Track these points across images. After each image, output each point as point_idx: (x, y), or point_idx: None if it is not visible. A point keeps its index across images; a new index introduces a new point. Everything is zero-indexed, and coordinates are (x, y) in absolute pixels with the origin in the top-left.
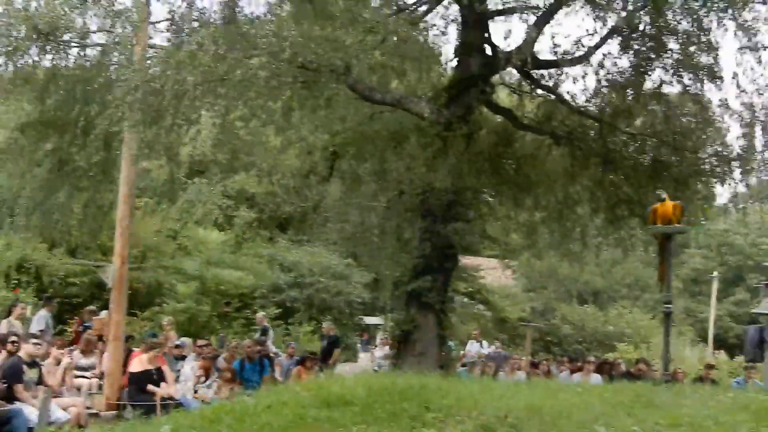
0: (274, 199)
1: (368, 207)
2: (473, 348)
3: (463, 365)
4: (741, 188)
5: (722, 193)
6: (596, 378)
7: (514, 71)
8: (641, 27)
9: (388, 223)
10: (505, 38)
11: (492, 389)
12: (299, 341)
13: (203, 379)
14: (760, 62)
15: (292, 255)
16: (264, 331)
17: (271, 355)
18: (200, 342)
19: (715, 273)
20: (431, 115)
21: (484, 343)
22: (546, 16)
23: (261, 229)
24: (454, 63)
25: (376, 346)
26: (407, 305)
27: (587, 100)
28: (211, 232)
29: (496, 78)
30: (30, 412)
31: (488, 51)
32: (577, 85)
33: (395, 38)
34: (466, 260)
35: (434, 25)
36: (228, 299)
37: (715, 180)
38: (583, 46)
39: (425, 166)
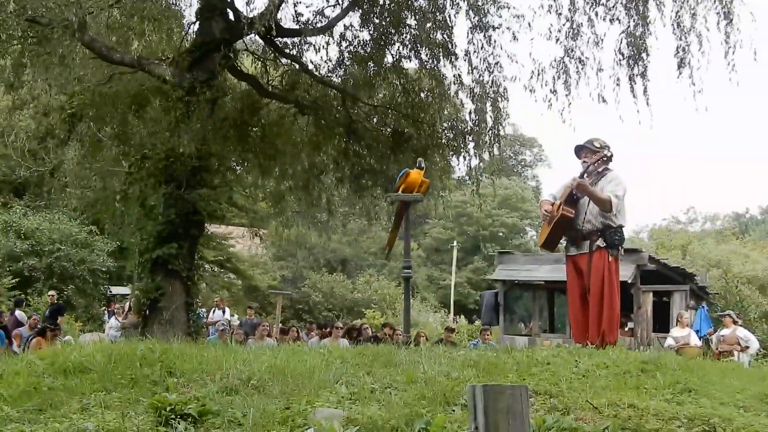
0: (8, 162)
1: (110, 172)
2: (216, 316)
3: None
4: (475, 161)
5: (459, 166)
6: (344, 342)
7: (258, 38)
8: (381, 1)
9: (131, 188)
10: (248, 3)
11: (237, 354)
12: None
13: None
14: (489, 42)
15: (29, 222)
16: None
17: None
18: None
19: (455, 242)
20: (173, 79)
21: (227, 310)
22: None
23: None
24: (197, 26)
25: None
26: (153, 273)
27: (330, 71)
28: None
29: (240, 44)
30: None
31: (231, 16)
32: (321, 56)
33: None
34: (214, 228)
35: None
36: None
37: (451, 153)
38: (326, 17)
39: (169, 131)
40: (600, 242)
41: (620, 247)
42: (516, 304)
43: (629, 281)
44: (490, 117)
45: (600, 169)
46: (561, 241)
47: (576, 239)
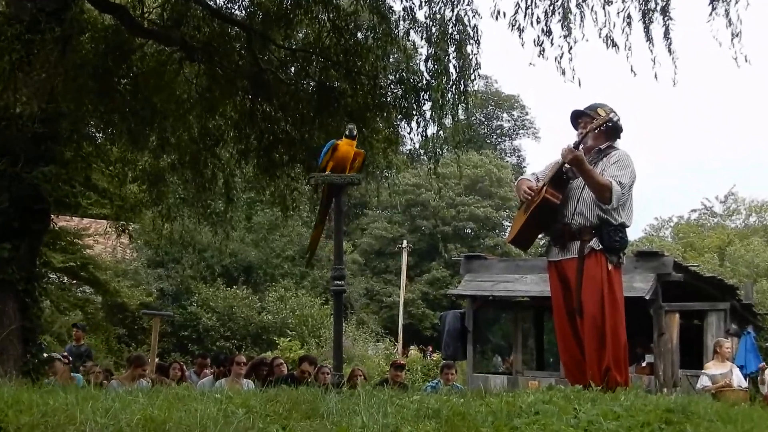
0: None
1: None
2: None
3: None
4: (432, 128)
5: (411, 134)
6: (248, 384)
7: None
8: None
9: None
10: None
11: (98, 399)
12: None
13: None
14: None
15: None
16: None
17: None
18: None
19: (405, 243)
20: (7, 9)
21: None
22: None
23: None
24: None
25: None
26: None
27: (231, 1)
28: None
29: None
30: None
31: None
32: None
33: None
34: (64, 221)
35: None
36: None
37: (399, 116)
38: None
39: (2, 83)
40: (594, 243)
41: (622, 254)
42: (490, 329)
43: (647, 297)
44: (454, 67)
45: (603, 146)
46: (539, 237)
47: (561, 237)
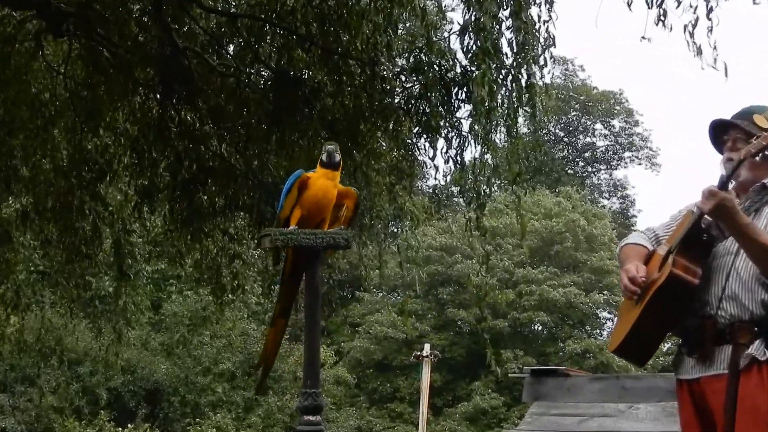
0: None
1: None
2: None
3: None
4: (473, 151)
5: (437, 162)
6: None
7: None
8: None
9: None
10: None
11: None
12: None
13: None
14: None
15: None
16: None
17: None
18: None
19: (428, 348)
20: None
21: None
22: None
23: None
24: None
25: None
26: None
27: None
28: None
29: None
30: None
31: None
32: None
33: None
34: None
35: None
36: None
37: (417, 129)
38: None
39: None
40: (757, 350)
41: None
42: None
43: None
44: (510, 44)
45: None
46: (663, 343)
47: (700, 340)
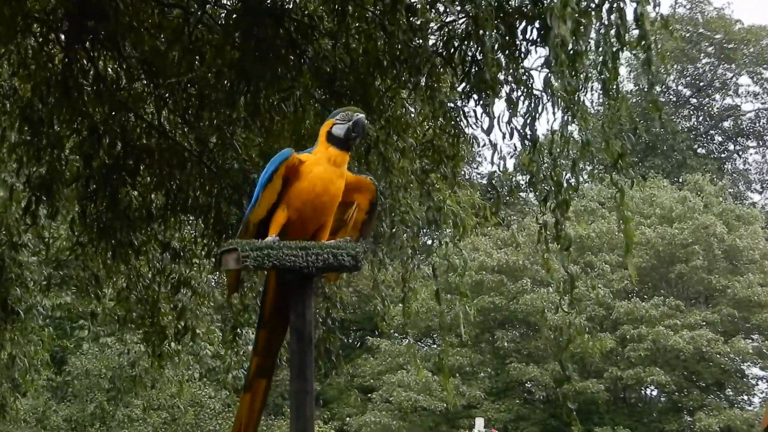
0: None
1: None
2: None
3: None
4: (552, 117)
5: (493, 137)
6: None
7: None
8: None
9: None
10: None
11: None
12: None
13: None
14: None
15: None
16: None
17: None
18: None
19: (481, 424)
20: None
21: None
22: None
23: None
24: None
25: None
26: None
27: None
28: None
29: None
30: None
31: None
32: None
33: None
34: None
35: None
36: None
37: (463, 85)
38: None
39: None
40: None
41: None
42: None
43: None
44: None
45: None
46: None
47: None
